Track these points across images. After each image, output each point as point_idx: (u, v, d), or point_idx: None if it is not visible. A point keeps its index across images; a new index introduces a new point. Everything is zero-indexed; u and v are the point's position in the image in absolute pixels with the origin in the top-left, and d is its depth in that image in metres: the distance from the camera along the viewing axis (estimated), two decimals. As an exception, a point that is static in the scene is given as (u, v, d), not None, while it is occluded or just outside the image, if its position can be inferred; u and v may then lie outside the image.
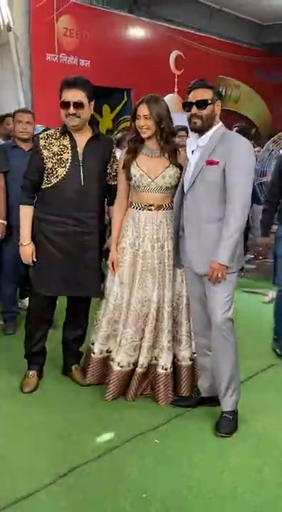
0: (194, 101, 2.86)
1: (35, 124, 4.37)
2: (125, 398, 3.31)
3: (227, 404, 3.01)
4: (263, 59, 12.15)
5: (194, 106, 2.86)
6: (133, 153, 3.20)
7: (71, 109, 3.11)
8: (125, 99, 9.00)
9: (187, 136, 4.57)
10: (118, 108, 9.08)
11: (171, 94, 9.40)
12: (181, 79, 9.52)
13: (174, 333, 3.33)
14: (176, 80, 9.65)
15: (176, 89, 9.55)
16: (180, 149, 3.22)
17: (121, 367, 3.27)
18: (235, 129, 7.21)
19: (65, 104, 3.12)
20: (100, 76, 7.86)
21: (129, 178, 3.21)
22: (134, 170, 3.18)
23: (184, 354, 3.34)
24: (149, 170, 3.17)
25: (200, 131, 2.91)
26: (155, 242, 3.22)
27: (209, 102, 2.86)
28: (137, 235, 3.24)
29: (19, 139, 4.17)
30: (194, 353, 3.31)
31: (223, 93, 10.94)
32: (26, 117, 4.16)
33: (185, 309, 3.30)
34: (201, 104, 2.85)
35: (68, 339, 3.59)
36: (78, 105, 3.11)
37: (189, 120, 2.91)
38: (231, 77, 11.36)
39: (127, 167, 3.20)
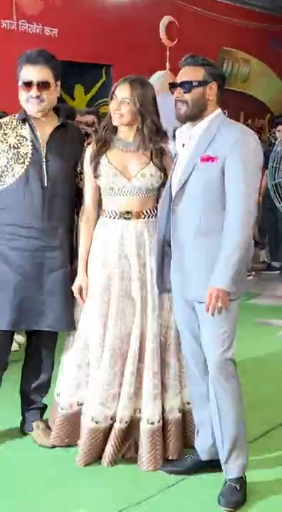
0: (178, 82, 2.91)
1: None
2: (101, 463, 3.28)
3: (232, 471, 3.00)
4: (280, 27, 12.30)
5: (179, 88, 2.90)
6: (103, 145, 3.22)
7: (34, 91, 3.13)
8: (104, 77, 9.07)
9: None
10: (95, 89, 9.14)
11: (162, 72, 9.47)
12: (174, 52, 9.60)
13: (162, 376, 3.31)
14: (167, 53, 9.73)
15: (168, 65, 9.63)
16: (167, 152, 3.23)
17: (96, 422, 3.25)
18: None
19: (27, 85, 3.15)
20: (70, 48, 7.93)
21: (97, 176, 3.22)
22: (105, 168, 3.19)
23: (172, 404, 3.32)
24: (124, 167, 3.19)
25: (188, 120, 2.93)
26: (135, 259, 3.22)
27: (195, 84, 2.88)
28: (111, 252, 3.24)
29: None
30: (188, 402, 3.31)
31: (228, 69, 11.04)
32: None
33: (174, 345, 3.29)
34: (185, 86, 2.89)
35: (28, 388, 3.56)
36: (43, 85, 3.14)
37: (175, 105, 2.94)
38: (238, 50, 11.49)
39: (94, 163, 3.21)
